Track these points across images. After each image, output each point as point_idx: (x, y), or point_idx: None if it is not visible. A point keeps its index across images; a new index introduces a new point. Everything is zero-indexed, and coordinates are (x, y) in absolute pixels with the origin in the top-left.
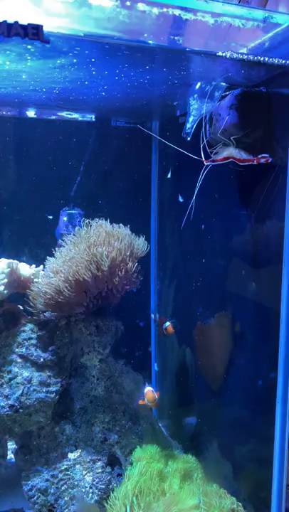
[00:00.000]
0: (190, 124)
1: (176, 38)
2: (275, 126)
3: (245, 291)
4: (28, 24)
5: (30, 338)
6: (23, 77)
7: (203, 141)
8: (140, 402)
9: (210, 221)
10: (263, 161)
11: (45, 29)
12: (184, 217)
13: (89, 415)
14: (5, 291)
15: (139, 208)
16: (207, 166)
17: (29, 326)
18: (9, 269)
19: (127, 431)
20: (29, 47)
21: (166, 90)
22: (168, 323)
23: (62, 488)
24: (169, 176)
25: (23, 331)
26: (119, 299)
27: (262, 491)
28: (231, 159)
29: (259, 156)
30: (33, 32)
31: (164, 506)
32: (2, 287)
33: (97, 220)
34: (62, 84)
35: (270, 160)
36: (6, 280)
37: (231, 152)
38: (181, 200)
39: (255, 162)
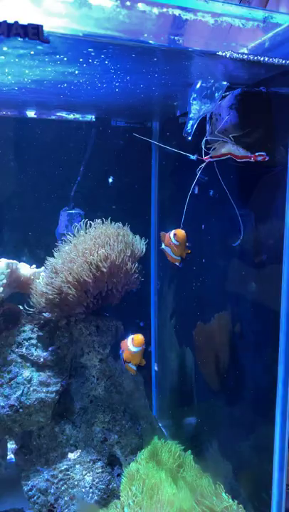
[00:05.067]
0: (190, 124)
1: (176, 37)
2: (275, 126)
3: (245, 291)
4: (28, 24)
5: (30, 338)
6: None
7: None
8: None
9: (210, 221)
10: (259, 158)
11: (45, 29)
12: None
13: (89, 415)
14: (3, 294)
15: (139, 208)
16: (206, 162)
17: (29, 326)
18: (9, 269)
19: (127, 431)
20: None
21: (167, 90)
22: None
23: (62, 488)
24: (196, 191)
25: (23, 331)
26: (119, 299)
27: (262, 491)
28: (229, 155)
29: (256, 154)
30: (33, 32)
31: (163, 506)
32: (1, 289)
33: (97, 220)
34: (62, 83)
35: (266, 158)
36: (5, 281)
37: (229, 148)
38: (196, 191)
39: (252, 159)
